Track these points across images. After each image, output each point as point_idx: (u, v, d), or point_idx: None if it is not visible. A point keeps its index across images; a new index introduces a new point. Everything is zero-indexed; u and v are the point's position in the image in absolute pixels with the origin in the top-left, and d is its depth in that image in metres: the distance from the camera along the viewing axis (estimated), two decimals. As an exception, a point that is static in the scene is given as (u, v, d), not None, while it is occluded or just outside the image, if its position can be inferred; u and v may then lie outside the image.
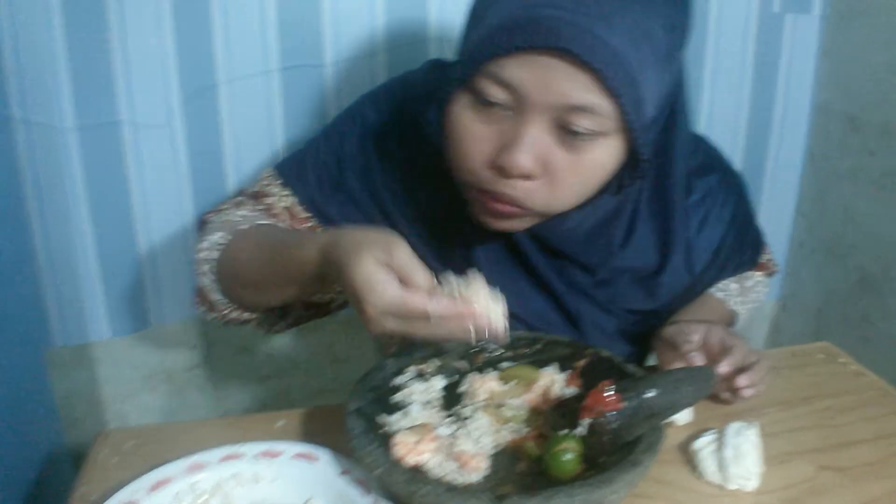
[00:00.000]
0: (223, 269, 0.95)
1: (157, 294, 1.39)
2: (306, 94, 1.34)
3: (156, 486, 0.80)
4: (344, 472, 0.81)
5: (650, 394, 0.78)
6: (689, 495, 0.83)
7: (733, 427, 0.86)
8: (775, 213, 1.66)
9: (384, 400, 0.88)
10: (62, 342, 1.38)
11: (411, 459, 0.78)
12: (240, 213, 1.00)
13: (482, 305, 0.71)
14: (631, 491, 0.75)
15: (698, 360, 0.91)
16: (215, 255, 0.95)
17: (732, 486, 0.83)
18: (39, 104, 1.23)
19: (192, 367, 1.44)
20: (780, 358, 1.10)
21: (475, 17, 0.83)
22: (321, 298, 1.03)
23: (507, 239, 0.97)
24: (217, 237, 0.96)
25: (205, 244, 0.96)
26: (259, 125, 1.34)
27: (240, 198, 1.04)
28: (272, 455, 0.84)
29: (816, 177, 1.65)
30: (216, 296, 0.97)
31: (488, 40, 0.77)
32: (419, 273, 0.71)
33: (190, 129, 1.30)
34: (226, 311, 0.99)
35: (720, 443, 0.85)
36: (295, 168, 1.02)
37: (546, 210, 0.86)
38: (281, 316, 1.05)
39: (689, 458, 0.88)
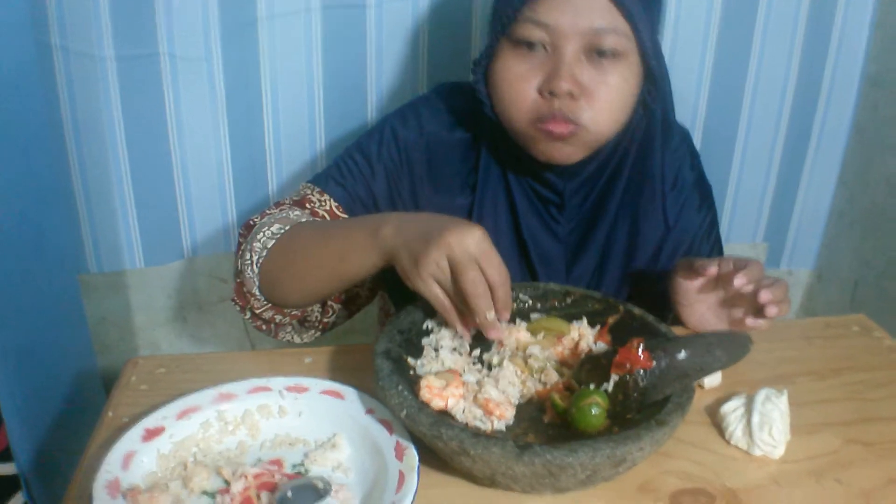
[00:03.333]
0: (275, 259, 0.96)
1: (190, 225, 1.39)
2: (346, 34, 1.33)
3: (184, 413, 0.82)
4: (369, 411, 0.82)
5: (681, 354, 0.78)
6: (714, 458, 0.83)
7: (762, 393, 0.86)
8: (817, 181, 1.62)
9: (413, 343, 0.89)
10: (96, 268, 1.40)
11: (437, 403, 0.78)
12: (293, 215, 1.02)
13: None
14: (656, 449, 0.75)
15: (712, 269, 0.95)
16: (271, 244, 0.96)
17: (758, 453, 0.83)
18: (79, 33, 1.23)
19: (223, 299, 1.46)
20: (813, 328, 1.09)
21: None
22: (352, 291, 1.09)
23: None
24: (275, 228, 0.98)
25: (260, 235, 0.97)
26: (298, 62, 1.33)
27: (283, 205, 1.06)
28: (299, 390, 0.85)
29: (861, 148, 1.60)
30: (255, 291, 0.98)
31: None
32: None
33: (228, 63, 1.29)
34: (261, 310, 1.00)
35: (748, 408, 0.85)
36: (331, 176, 1.09)
37: (593, 126, 0.97)
38: (311, 321, 1.07)
39: (715, 422, 0.88)
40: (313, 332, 1.07)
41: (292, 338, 1.07)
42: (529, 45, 0.96)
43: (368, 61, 1.35)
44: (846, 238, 1.68)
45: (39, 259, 1.23)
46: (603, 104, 0.97)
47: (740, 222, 1.59)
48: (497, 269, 0.82)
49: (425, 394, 0.78)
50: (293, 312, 1.01)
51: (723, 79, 1.49)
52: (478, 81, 1.03)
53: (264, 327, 1.05)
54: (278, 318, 1.02)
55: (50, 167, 1.24)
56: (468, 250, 0.80)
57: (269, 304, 0.99)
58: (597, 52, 0.95)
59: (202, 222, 1.40)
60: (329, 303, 1.06)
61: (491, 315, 0.82)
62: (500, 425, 0.79)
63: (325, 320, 1.07)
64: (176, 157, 1.34)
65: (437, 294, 0.83)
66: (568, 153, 1.00)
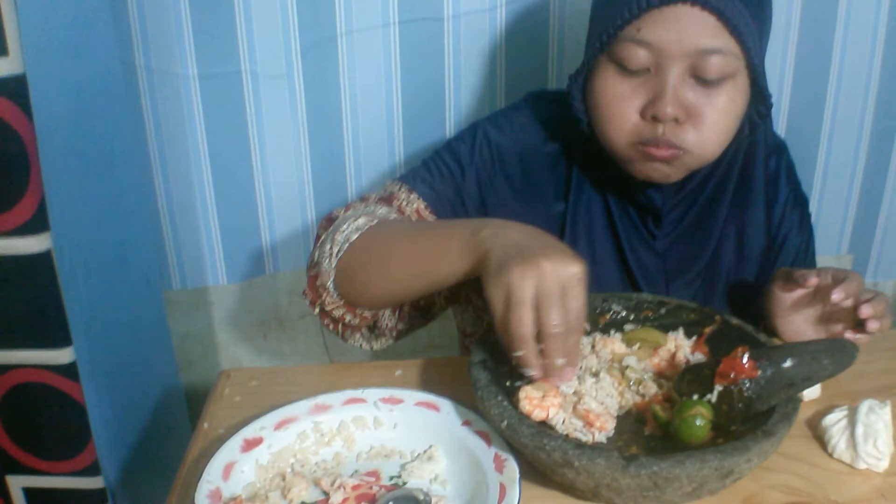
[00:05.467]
0: (357, 254, 0.92)
1: (272, 242, 1.41)
2: (425, 47, 1.33)
3: (281, 424, 0.82)
4: (465, 423, 0.82)
5: (787, 363, 0.76)
6: (818, 472, 0.81)
7: (865, 405, 0.83)
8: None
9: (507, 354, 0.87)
10: (180, 285, 1.42)
11: (539, 414, 0.77)
12: (379, 211, 1.00)
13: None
14: (763, 461, 0.73)
15: (813, 280, 0.91)
16: (354, 237, 0.93)
17: (862, 466, 0.81)
18: (162, 52, 1.26)
19: (304, 316, 1.46)
20: (911, 337, 1.05)
21: None
22: (426, 302, 1.06)
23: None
24: (361, 221, 0.94)
25: (344, 227, 0.94)
26: (377, 77, 1.34)
27: (369, 200, 1.04)
28: (394, 401, 0.85)
29: (949, 153, 1.55)
30: (330, 285, 0.94)
31: (623, 8, 0.89)
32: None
33: (308, 79, 1.30)
34: (331, 307, 0.96)
35: (851, 420, 0.82)
36: (420, 175, 1.07)
37: (698, 150, 0.94)
38: (382, 328, 1.04)
39: (816, 435, 0.85)
40: (385, 339, 1.03)
41: (362, 344, 1.03)
42: (631, 66, 0.92)
43: (446, 74, 1.35)
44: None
45: (125, 276, 1.26)
46: (709, 127, 0.93)
47: (825, 234, 1.54)
48: (577, 313, 0.76)
49: (525, 405, 0.77)
50: (364, 314, 0.97)
51: (803, 86, 1.45)
52: (573, 97, 0.99)
53: (332, 326, 1.00)
54: (348, 317, 0.97)
55: (135, 185, 1.28)
56: (560, 282, 0.75)
57: (342, 302, 0.95)
58: (702, 79, 0.91)
59: (283, 238, 1.41)
60: (404, 307, 1.03)
61: (561, 361, 0.77)
62: (601, 437, 0.77)
63: (400, 327, 1.03)
64: (258, 173, 1.35)
65: (502, 310, 0.77)
66: (667, 173, 0.97)
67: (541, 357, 0.77)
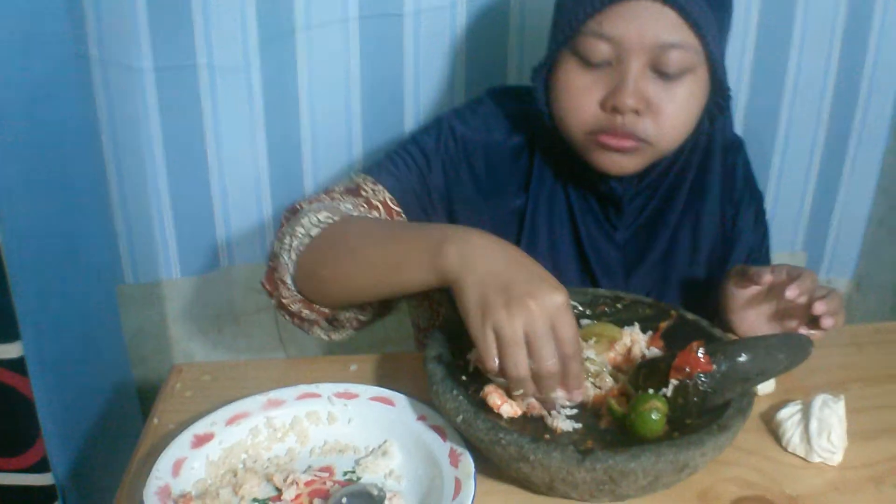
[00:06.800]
0: (318, 249, 0.91)
1: (227, 236, 1.39)
2: (384, 43, 1.32)
3: (232, 420, 0.81)
4: (420, 418, 0.81)
5: (742, 358, 0.76)
6: (773, 465, 0.82)
7: (819, 399, 0.84)
8: (856, 188, 1.60)
9: (463, 348, 0.86)
10: (133, 279, 1.39)
11: (506, 410, 0.77)
12: (343, 206, 0.98)
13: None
14: (718, 455, 0.73)
15: (767, 277, 0.91)
16: (315, 232, 0.91)
17: (816, 459, 0.82)
18: (117, 44, 1.23)
19: (260, 310, 1.45)
20: (863, 334, 1.08)
21: None
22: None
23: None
24: (322, 216, 0.92)
25: (305, 220, 0.92)
26: (336, 72, 1.32)
27: (335, 192, 1.02)
28: (349, 396, 0.84)
29: (900, 154, 1.59)
30: (287, 279, 0.93)
31: (587, 3, 0.91)
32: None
33: (266, 73, 1.29)
34: (288, 300, 0.95)
35: (805, 414, 0.83)
36: (385, 167, 1.06)
37: (657, 142, 0.96)
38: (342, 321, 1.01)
39: (771, 428, 0.86)
40: (345, 330, 1.01)
41: (321, 336, 1.00)
42: (593, 59, 0.93)
43: (406, 70, 1.35)
44: (886, 246, 1.65)
45: (76, 270, 1.23)
46: (668, 120, 0.94)
47: (780, 231, 1.56)
48: (571, 342, 0.74)
49: (496, 399, 0.77)
50: (322, 309, 0.95)
51: (760, 87, 1.48)
52: (537, 89, 1.00)
53: (290, 319, 0.98)
54: (305, 312, 0.95)
55: (86, 178, 1.25)
56: (549, 317, 0.73)
57: (300, 297, 0.94)
58: (663, 68, 0.92)
59: (239, 232, 1.39)
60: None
61: (560, 394, 0.77)
62: (565, 425, 0.78)
63: (361, 318, 1.00)
64: (214, 166, 1.33)
65: (492, 352, 0.74)
66: (623, 165, 0.98)
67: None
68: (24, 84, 1.09)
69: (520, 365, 0.73)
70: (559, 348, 0.74)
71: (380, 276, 0.87)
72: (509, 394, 0.78)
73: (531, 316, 0.73)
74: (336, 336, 1.00)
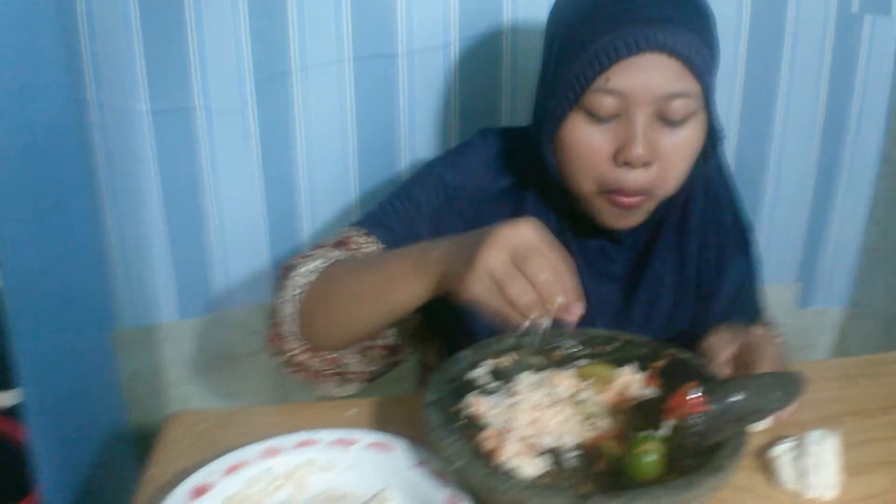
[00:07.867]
0: (316, 292, 0.94)
1: (224, 278, 1.39)
2: (379, 83, 1.34)
3: (231, 469, 0.81)
4: (419, 464, 0.81)
5: (737, 397, 0.77)
6: (767, 503, 0.82)
7: (814, 435, 0.84)
8: (847, 218, 1.61)
9: (461, 393, 0.87)
10: (129, 323, 1.39)
11: (503, 455, 0.77)
12: (334, 254, 1.01)
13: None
14: (713, 495, 0.73)
15: (723, 357, 0.92)
16: (312, 277, 0.95)
17: (811, 495, 0.82)
18: (114, 87, 1.24)
19: (257, 352, 1.44)
20: (856, 367, 1.08)
21: (567, 47, 0.96)
22: (394, 341, 1.04)
23: None
24: (318, 263, 0.96)
25: (303, 270, 0.96)
26: (331, 113, 1.34)
27: (326, 246, 1.04)
28: (347, 443, 0.84)
29: (892, 182, 1.59)
30: (293, 329, 0.96)
31: (594, 60, 0.91)
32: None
33: (262, 115, 1.30)
34: (296, 351, 0.97)
35: (800, 451, 0.83)
36: (376, 218, 1.08)
37: (662, 192, 0.98)
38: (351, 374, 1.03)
39: (765, 465, 0.86)
40: (355, 384, 1.03)
41: (332, 390, 1.02)
42: (601, 114, 0.93)
43: (401, 110, 1.36)
44: (880, 274, 1.66)
45: (72, 315, 1.23)
46: (674, 165, 0.96)
47: (774, 263, 1.57)
48: (555, 256, 0.78)
49: (490, 443, 0.78)
50: (329, 356, 0.97)
51: (750, 119, 1.49)
52: (543, 145, 1.00)
53: (300, 376, 1.00)
54: (314, 362, 0.97)
55: (85, 222, 1.25)
56: (528, 239, 0.77)
57: (306, 346, 0.96)
58: (670, 117, 0.93)
59: (237, 275, 1.40)
60: (369, 348, 1.02)
61: (562, 299, 0.77)
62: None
63: (370, 369, 1.02)
64: (211, 209, 1.34)
65: (495, 295, 0.77)
66: (630, 221, 1.00)
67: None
68: (21, 128, 1.10)
69: (526, 292, 0.76)
70: (546, 261, 0.77)
71: (376, 294, 0.90)
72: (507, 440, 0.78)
73: (509, 243, 0.77)
74: (349, 389, 1.02)
